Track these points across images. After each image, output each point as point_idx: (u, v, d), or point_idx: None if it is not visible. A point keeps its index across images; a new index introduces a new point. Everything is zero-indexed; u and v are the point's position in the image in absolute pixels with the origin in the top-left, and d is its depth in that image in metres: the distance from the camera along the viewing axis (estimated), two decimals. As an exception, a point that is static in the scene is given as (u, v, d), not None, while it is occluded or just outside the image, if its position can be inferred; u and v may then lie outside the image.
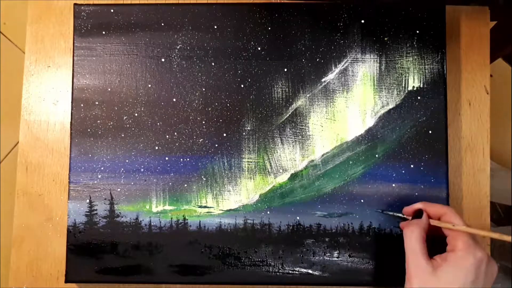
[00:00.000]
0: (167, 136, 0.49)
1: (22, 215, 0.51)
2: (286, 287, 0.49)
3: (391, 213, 0.47)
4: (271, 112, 0.49)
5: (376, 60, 0.49)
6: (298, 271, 0.48)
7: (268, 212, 0.48)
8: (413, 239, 0.40)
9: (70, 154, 0.49)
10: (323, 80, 0.49)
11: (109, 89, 0.50)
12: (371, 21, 0.49)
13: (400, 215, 0.46)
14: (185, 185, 0.49)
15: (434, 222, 0.42)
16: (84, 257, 0.48)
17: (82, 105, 0.49)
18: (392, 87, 0.49)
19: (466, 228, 0.39)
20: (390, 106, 0.49)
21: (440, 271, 0.38)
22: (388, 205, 0.48)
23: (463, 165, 0.52)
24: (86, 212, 0.48)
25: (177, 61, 0.50)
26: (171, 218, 0.48)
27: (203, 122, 0.49)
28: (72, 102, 0.49)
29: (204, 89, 0.49)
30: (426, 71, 0.49)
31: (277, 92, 0.49)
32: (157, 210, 0.49)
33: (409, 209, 0.44)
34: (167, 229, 0.48)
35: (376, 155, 0.49)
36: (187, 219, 0.48)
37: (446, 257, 0.39)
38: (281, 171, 0.49)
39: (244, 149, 0.49)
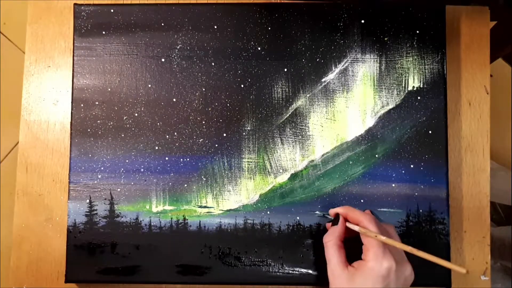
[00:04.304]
0: (167, 136, 0.49)
1: (22, 215, 0.51)
2: (286, 287, 0.49)
3: (319, 212, 0.48)
4: (271, 112, 0.49)
5: (376, 60, 0.49)
6: (298, 271, 0.48)
7: (268, 212, 0.48)
8: (329, 247, 0.42)
9: (70, 154, 0.49)
10: (323, 80, 0.49)
11: (109, 89, 0.50)
12: (371, 21, 0.49)
13: (328, 216, 0.48)
14: (185, 185, 0.49)
15: (350, 226, 0.43)
16: (84, 257, 0.48)
17: (82, 105, 0.49)
18: (392, 87, 0.49)
19: (377, 237, 0.40)
20: (390, 106, 0.49)
21: (354, 279, 0.40)
22: (388, 205, 0.48)
23: (463, 165, 0.52)
24: (86, 212, 0.48)
25: (177, 61, 0.50)
26: (171, 218, 0.48)
27: (203, 122, 0.49)
28: (72, 102, 0.49)
29: (204, 89, 0.49)
30: (426, 71, 0.49)
31: (277, 92, 0.49)
32: (157, 210, 0.49)
33: (332, 211, 0.46)
34: (167, 229, 0.48)
35: (376, 155, 0.49)
36: (187, 219, 0.48)
37: (359, 265, 0.40)
38: (281, 171, 0.49)
39: (244, 149, 0.49)
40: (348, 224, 0.43)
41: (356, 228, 0.42)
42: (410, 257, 0.41)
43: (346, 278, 0.40)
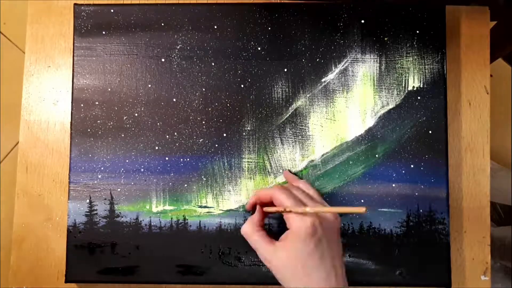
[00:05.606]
0: (167, 136, 0.49)
1: (22, 215, 0.51)
2: (286, 287, 0.49)
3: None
4: (271, 112, 0.49)
5: (376, 60, 0.49)
6: (298, 271, 0.48)
7: (268, 212, 0.48)
8: (249, 237, 0.41)
9: (70, 154, 0.49)
10: (323, 80, 0.49)
11: (109, 89, 0.50)
12: (371, 21, 0.49)
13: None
14: (185, 185, 0.49)
15: (267, 209, 0.43)
16: (84, 257, 0.48)
17: (82, 105, 0.49)
18: (392, 87, 0.49)
19: (294, 208, 0.39)
20: (390, 106, 0.49)
21: (281, 250, 0.39)
22: (388, 205, 0.48)
23: (463, 165, 0.52)
24: (86, 212, 0.48)
25: (177, 61, 0.50)
26: (171, 218, 0.48)
27: (203, 122, 0.49)
28: (72, 102, 0.49)
29: (204, 89, 0.49)
30: (426, 71, 0.49)
31: (277, 92, 0.49)
32: (157, 210, 0.49)
33: (247, 206, 0.46)
34: (167, 229, 0.48)
35: (376, 155, 0.49)
36: (187, 219, 0.48)
37: (286, 235, 0.40)
38: (281, 171, 0.49)
39: (244, 149, 0.49)
40: (265, 209, 0.43)
41: (274, 209, 0.42)
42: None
43: (273, 251, 0.39)
